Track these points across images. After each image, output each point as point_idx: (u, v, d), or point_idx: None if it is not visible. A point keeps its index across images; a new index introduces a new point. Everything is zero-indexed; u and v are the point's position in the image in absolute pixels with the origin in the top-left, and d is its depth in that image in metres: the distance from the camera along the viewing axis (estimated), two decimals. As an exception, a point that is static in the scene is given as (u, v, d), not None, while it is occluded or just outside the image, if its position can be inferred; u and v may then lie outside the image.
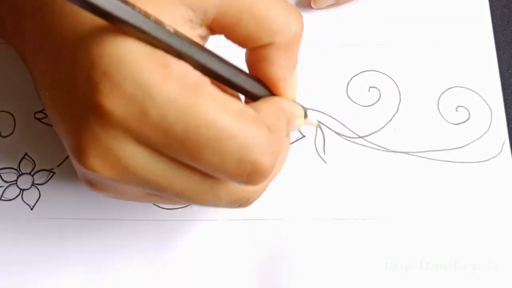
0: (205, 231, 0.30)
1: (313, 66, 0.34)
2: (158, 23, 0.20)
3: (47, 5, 0.23)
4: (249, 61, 0.24)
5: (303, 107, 0.27)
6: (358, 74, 0.33)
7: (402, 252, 0.30)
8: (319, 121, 0.32)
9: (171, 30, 0.20)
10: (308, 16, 0.35)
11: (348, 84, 0.33)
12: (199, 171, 0.22)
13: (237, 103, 0.21)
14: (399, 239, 0.30)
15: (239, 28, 0.22)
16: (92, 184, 0.24)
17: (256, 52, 0.23)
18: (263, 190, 0.25)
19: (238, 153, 0.20)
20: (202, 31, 0.22)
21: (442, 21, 0.34)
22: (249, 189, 0.24)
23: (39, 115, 0.33)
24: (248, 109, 0.21)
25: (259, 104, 0.23)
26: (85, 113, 0.20)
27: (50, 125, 0.32)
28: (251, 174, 0.21)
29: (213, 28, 0.23)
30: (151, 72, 0.19)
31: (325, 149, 0.32)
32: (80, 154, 0.21)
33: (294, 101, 0.26)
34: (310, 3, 0.35)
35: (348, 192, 0.31)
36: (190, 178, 0.22)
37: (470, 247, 0.30)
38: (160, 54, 0.20)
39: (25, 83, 0.33)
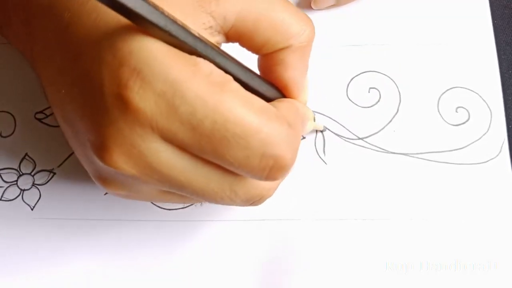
0: (206, 232, 0.30)
1: (313, 66, 0.33)
2: (185, 27, 0.20)
3: (63, 2, 0.23)
4: (263, 66, 0.25)
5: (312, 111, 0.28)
6: (358, 75, 0.33)
7: (402, 252, 0.30)
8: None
9: (196, 34, 0.21)
10: (309, 17, 0.35)
11: (348, 85, 0.33)
12: (219, 168, 0.22)
13: (260, 100, 0.21)
14: (399, 239, 0.30)
15: (257, 34, 0.23)
16: (106, 182, 0.24)
17: (271, 56, 0.24)
18: (276, 188, 0.25)
19: (261, 148, 0.21)
20: (220, 38, 0.23)
21: (442, 21, 0.34)
22: (265, 186, 0.24)
23: (39, 116, 0.33)
24: (270, 107, 0.22)
25: (276, 103, 0.24)
26: (111, 110, 0.20)
27: (51, 126, 0.32)
28: (273, 169, 0.21)
29: (230, 35, 0.23)
30: (181, 69, 0.20)
31: (325, 150, 0.32)
32: (104, 150, 0.21)
33: (306, 104, 0.27)
34: (310, 3, 0.35)
35: (348, 193, 0.31)
36: (211, 176, 0.22)
37: (470, 247, 0.30)
38: (186, 54, 0.20)
39: (25, 83, 0.33)
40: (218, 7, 0.22)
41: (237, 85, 0.21)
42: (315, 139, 0.32)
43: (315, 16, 0.34)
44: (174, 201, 0.26)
